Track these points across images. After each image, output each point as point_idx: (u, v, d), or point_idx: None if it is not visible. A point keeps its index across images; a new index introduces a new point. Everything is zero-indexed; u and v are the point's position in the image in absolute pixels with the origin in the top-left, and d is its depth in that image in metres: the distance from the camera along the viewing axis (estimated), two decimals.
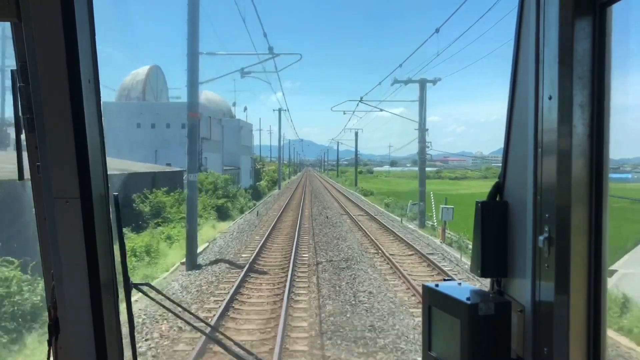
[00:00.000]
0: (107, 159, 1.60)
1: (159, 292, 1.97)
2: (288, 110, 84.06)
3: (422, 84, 29.10)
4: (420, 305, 1.54)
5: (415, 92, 29.75)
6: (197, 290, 13.06)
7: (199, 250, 17.64)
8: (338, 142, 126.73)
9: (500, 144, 1.54)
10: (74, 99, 1.38)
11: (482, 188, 20.46)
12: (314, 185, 75.95)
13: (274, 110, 74.17)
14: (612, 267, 12.48)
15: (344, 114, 51.00)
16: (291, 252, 17.55)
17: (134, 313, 1.74)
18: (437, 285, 1.52)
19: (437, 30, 21.90)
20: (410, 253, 18.44)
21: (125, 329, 1.69)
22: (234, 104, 67.67)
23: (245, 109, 70.37)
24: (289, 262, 15.72)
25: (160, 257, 17.07)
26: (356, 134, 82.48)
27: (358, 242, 21.00)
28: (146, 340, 9.44)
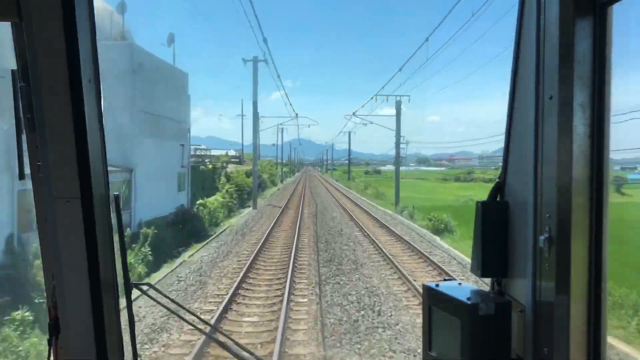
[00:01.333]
0: None
1: (159, 292, 1.97)
2: (272, 60, 41.68)
3: None
4: None
5: None
6: None
7: None
8: (350, 132, 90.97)
9: (500, 144, 1.47)
10: (75, 98, 1.39)
11: None
12: (319, 200, 41.24)
13: (245, 60, 36.42)
14: None
15: None
16: None
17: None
18: (437, 285, 1.51)
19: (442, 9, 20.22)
20: None
21: (125, 329, 1.69)
22: (121, 9, 24.48)
23: (172, 39, 29.71)
24: None
25: None
26: (398, 102, 39.34)
27: None
28: None
